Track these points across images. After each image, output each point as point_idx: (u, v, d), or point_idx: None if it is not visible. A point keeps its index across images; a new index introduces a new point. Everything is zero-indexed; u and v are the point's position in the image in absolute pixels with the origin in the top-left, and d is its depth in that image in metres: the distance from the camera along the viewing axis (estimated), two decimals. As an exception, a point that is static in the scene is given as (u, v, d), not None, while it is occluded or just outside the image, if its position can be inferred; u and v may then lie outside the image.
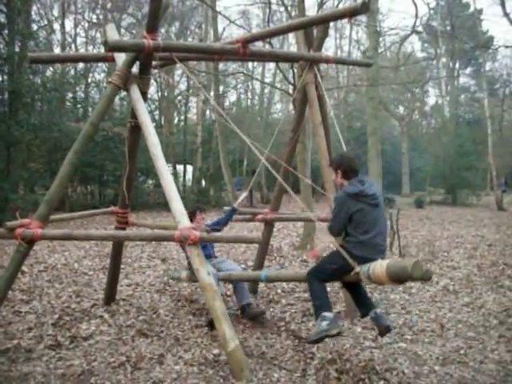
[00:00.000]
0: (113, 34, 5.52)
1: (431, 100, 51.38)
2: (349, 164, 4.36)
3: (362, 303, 4.63)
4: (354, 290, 4.67)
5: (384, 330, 4.42)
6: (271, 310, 6.29)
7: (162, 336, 5.30)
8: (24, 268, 7.90)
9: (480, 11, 37.56)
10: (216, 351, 4.76)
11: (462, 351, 4.97)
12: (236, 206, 6.66)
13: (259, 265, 7.40)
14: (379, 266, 3.93)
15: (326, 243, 11.90)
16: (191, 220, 4.82)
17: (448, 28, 34.42)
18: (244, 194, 7.08)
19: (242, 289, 6.00)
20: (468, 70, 43.34)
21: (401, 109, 43.19)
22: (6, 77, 15.81)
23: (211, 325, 5.52)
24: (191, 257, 4.38)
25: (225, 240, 5.30)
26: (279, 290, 7.19)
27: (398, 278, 3.85)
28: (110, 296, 6.57)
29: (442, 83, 38.93)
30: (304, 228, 11.58)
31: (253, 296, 6.85)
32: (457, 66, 39.72)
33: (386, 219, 4.48)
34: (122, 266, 7.54)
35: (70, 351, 4.86)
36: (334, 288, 7.53)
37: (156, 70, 7.04)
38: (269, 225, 7.28)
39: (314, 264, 4.76)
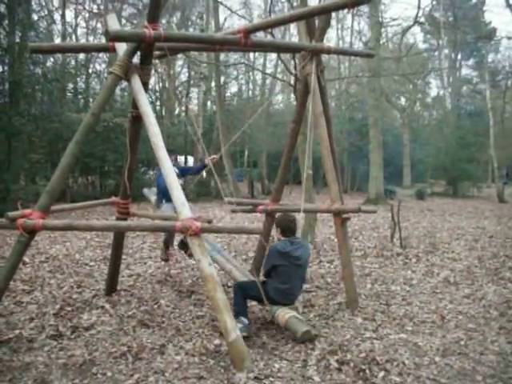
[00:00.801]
0: (114, 25, 5.50)
1: (433, 91, 51.19)
2: (287, 225, 5.26)
3: None
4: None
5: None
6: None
7: (163, 326, 5.31)
8: (25, 258, 7.92)
9: (483, 2, 37.43)
10: (217, 341, 4.77)
11: (462, 342, 4.98)
12: (206, 162, 7.06)
13: (260, 256, 7.39)
14: (281, 317, 4.97)
15: (327, 234, 11.93)
16: None
17: (450, 19, 34.28)
18: (214, 156, 7.24)
19: None
20: (470, 62, 43.17)
21: (402, 100, 43.16)
22: (6, 67, 15.78)
23: (183, 245, 6.40)
24: (192, 247, 4.39)
25: (226, 231, 5.34)
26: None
27: (290, 331, 4.93)
28: (112, 286, 6.59)
29: (444, 74, 38.81)
30: (305, 219, 11.57)
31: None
32: (459, 57, 39.60)
33: (304, 276, 5.47)
34: (123, 257, 7.55)
35: (72, 341, 4.88)
36: (334, 279, 7.55)
37: (157, 61, 7.02)
38: (270, 216, 7.27)
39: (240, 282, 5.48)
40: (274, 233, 5.56)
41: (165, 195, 6.82)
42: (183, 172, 7.36)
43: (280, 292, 5.08)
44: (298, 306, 5.44)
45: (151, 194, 7.88)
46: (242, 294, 5.14)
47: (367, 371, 4.19)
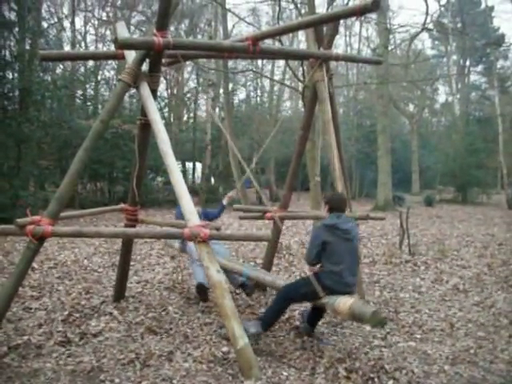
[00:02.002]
0: (123, 32, 5.53)
1: (441, 98, 51.02)
2: (337, 203, 4.95)
3: (313, 322, 5.31)
4: (317, 311, 5.23)
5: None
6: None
7: (171, 333, 5.31)
8: (34, 264, 7.94)
9: (491, 8, 37.33)
10: (225, 349, 4.77)
11: (471, 351, 4.95)
12: (225, 203, 7.05)
13: (268, 263, 7.40)
14: (342, 305, 4.43)
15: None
16: None
17: (459, 25, 34.24)
18: (233, 191, 7.43)
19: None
20: (479, 68, 42.98)
21: (411, 106, 43.04)
22: (16, 74, 15.87)
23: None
24: (201, 254, 4.39)
25: (234, 238, 5.33)
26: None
27: (356, 319, 4.46)
28: (120, 293, 6.60)
29: (453, 81, 38.68)
30: (313, 226, 11.55)
31: (262, 293, 6.87)
32: (467, 63, 39.45)
33: (358, 257, 5.01)
34: (132, 263, 7.56)
35: (80, 348, 4.88)
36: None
37: (166, 68, 7.05)
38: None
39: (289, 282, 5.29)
40: (322, 209, 5.36)
41: None
42: (206, 216, 6.93)
43: (334, 276, 4.60)
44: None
45: (174, 241, 7.50)
46: (286, 300, 4.92)
47: (376, 379, 4.17)
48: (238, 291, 6.81)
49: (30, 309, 6.12)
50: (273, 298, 6.69)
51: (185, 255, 7.68)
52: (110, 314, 5.97)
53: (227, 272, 6.15)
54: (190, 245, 6.28)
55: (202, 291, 6.31)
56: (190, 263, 6.82)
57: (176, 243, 7.08)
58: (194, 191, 5.32)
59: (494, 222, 17.90)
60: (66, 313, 5.92)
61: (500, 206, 26.16)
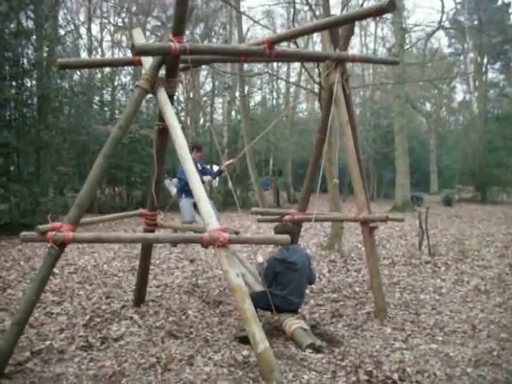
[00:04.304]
0: (139, 38, 5.57)
1: (459, 96, 50.63)
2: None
3: None
4: None
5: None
6: (299, 310, 6.25)
7: (191, 337, 5.32)
8: (55, 270, 8.00)
9: (508, 4, 36.83)
10: (245, 352, 4.76)
11: (494, 353, 4.88)
12: (222, 168, 7.51)
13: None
14: (288, 327, 5.21)
15: (354, 243, 11.84)
16: None
17: (475, 22, 33.90)
18: (232, 160, 7.81)
19: None
20: (497, 65, 42.49)
21: (428, 106, 42.71)
22: (34, 82, 16.09)
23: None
24: (220, 259, 4.40)
25: (253, 241, 5.32)
26: (307, 291, 7.15)
27: (295, 342, 5.08)
28: (140, 297, 6.63)
29: (470, 79, 38.32)
30: (332, 228, 11.52)
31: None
32: (485, 60, 38.99)
33: (305, 281, 5.62)
34: (151, 267, 7.59)
35: (101, 352, 4.92)
36: (362, 288, 7.49)
37: (182, 72, 7.08)
38: (296, 225, 7.25)
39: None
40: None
41: (184, 190, 7.02)
42: (203, 172, 7.49)
43: (281, 298, 5.35)
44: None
45: (171, 185, 7.98)
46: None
47: (398, 383, 4.14)
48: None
49: (52, 314, 6.19)
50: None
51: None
52: (131, 318, 6.01)
53: None
54: (184, 201, 7.13)
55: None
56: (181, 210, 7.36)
57: (172, 188, 7.68)
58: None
59: (515, 221, 17.67)
60: (87, 317, 5.98)
61: (521, 205, 25.84)
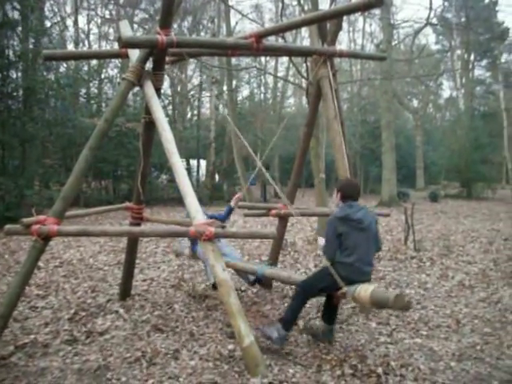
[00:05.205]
0: (126, 31, 5.52)
1: (446, 93, 50.99)
2: (349, 190, 4.83)
3: (329, 315, 5.10)
4: (331, 303, 5.07)
5: (325, 341, 4.99)
6: (285, 305, 6.26)
7: (177, 331, 5.31)
8: (40, 263, 7.96)
9: (495, 2, 37.15)
10: (231, 347, 4.77)
11: (478, 347, 4.93)
12: (233, 204, 6.69)
13: (274, 260, 7.38)
14: (363, 292, 4.32)
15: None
16: None
17: (463, 20, 34.09)
18: (239, 194, 6.99)
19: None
20: (483, 62, 42.80)
21: (415, 102, 42.94)
22: (20, 73, 15.93)
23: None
24: (206, 252, 4.39)
25: (240, 236, 5.33)
26: (294, 286, 7.16)
27: (380, 305, 4.32)
28: (126, 291, 6.61)
29: (457, 76, 38.63)
30: (318, 222, 11.55)
31: (267, 291, 6.86)
32: (472, 58, 39.27)
33: (372, 245, 4.74)
34: (137, 261, 7.55)
35: (86, 346, 4.90)
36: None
37: (170, 65, 7.04)
38: (283, 219, 7.26)
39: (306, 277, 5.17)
40: (334, 197, 5.02)
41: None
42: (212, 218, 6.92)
43: (348, 267, 4.52)
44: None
45: (184, 247, 7.39)
46: (305, 296, 4.82)
47: (382, 376, 4.17)
48: (243, 288, 6.81)
49: (37, 308, 6.15)
50: (278, 294, 6.72)
51: (198, 260, 7.59)
52: (116, 312, 5.98)
53: (239, 272, 6.17)
54: (200, 248, 6.20)
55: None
56: (206, 266, 6.42)
57: (186, 250, 6.91)
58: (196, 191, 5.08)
59: (500, 217, 17.82)
60: (72, 311, 5.94)
61: (505, 201, 26.05)
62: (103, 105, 22.10)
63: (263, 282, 6.16)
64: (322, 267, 4.94)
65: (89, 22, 27.63)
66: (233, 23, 27.54)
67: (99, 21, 28.12)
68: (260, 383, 3.99)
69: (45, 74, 16.96)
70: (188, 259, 8.36)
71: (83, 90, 22.86)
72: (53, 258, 9.24)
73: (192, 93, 29.65)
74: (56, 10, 24.47)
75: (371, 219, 4.74)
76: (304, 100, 27.74)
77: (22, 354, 4.67)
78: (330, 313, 5.10)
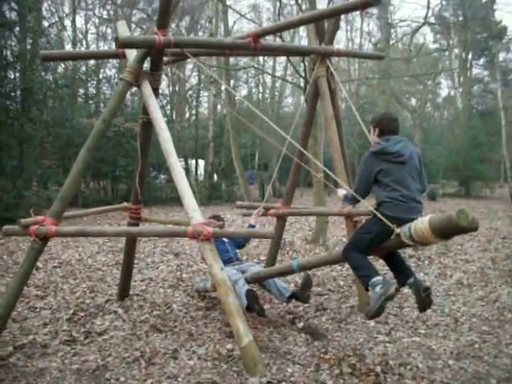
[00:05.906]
0: (124, 31, 5.53)
1: (444, 92, 50.95)
2: (387, 124, 4.27)
3: (399, 271, 4.45)
4: (392, 258, 4.49)
5: (424, 295, 4.29)
6: (284, 304, 6.27)
7: (175, 331, 5.32)
8: (38, 264, 7.95)
9: (493, 1, 37.04)
10: (230, 346, 4.77)
11: (476, 345, 4.95)
12: (253, 222, 6.35)
13: (272, 259, 7.40)
14: (420, 224, 3.72)
15: (338, 237, 11.88)
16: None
17: (460, 18, 34.06)
18: (259, 209, 6.66)
19: (275, 285, 5.63)
20: (481, 61, 42.74)
21: (413, 101, 42.92)
22: (18, 74, 15.89)
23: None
24: (204, 252, 4.40)
25: (238, 235, 5.32)
26: (292, 285, 7.17)
27: (444, 231, 3.63)
28: (124, 291, 6.61)
29: (455, 74, 38.57)
30: (316, 222, 11.55)
31: (264, 292, 6.85)
32: (469, 56, 39.22)
33: (417, 181, 4.18)
34: (135, 261, 7.57)
35: (85, 346, 4.90)
36: (346, 282, 7.52)
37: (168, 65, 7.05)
38: (281, 219, 7.27)
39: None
40: (371, 135, 4.45)
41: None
42: (238, 245, 6.60)
43: (396, 204, 3.97)
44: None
45: (206, 281, 6.72)
46: (356, 252, 4.23)
47: (380, 375, 4.17)
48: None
49: (35, 308, 6.15)
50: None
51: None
52: (115, 312, 5.99)
53: (272, 288, 5.64)
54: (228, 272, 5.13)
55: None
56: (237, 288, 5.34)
57: (208, 282, 6.31)
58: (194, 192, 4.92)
59: (498, 216, 17.85)
60: (71, 312, 5.95)
61: (503, 200, 26.08)
62: (101, 105, 22.09)
63: (299, 296, 5.51)
64: (365, 220, 4.47)
65: (86, 22, 27.61)
66: (231, 23, 27.56)
67: (97, 21, 28.09)
68: (259, 382, 4.00)
69: (43, 74, 16.93)
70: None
71: (81, 91, 22.86)
72: (51, 258, 9.24)
73: (190, 92, 29.63)
74: (54, 10, 24.42)
75: (412, 151, 4.19)
76: (302, 99, 27.72)
77: (20, 354, 4.67)
78: (397, 266, 4.51)
